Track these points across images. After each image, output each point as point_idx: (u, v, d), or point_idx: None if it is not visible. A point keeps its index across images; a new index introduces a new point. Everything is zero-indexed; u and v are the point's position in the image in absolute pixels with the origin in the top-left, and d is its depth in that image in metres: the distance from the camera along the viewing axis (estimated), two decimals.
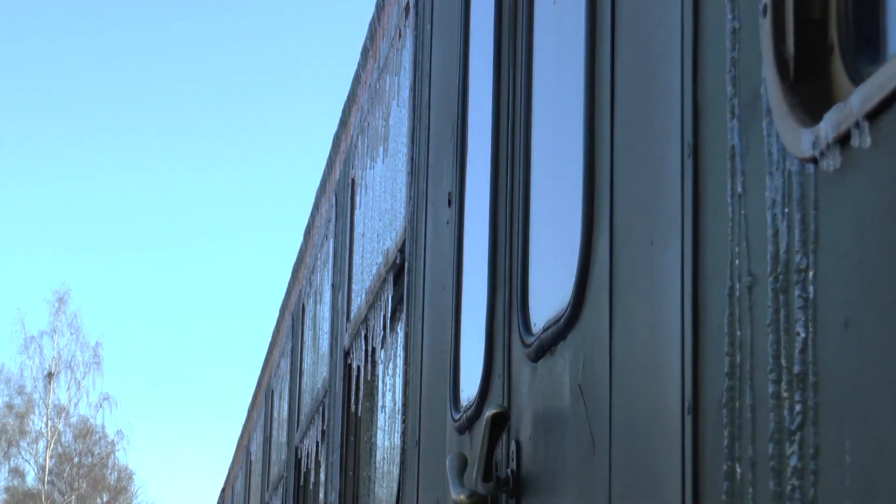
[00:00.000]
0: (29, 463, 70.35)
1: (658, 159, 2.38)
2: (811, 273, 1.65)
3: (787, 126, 1.73)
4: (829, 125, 1.54)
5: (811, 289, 1.64)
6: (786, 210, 1.76)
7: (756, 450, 1.85)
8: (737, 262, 1.94)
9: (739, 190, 1.96)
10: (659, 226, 2.35)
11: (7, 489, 70.62)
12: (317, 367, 7.24)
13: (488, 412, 3.34)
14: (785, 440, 1.72)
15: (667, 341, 2.25)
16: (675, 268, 2.23)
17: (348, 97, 6.63)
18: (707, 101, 2.14)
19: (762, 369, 1.84)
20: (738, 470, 1.90)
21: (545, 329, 2.95)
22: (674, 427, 2.18)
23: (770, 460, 1.77)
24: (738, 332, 1.93)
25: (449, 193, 4.10)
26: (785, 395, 1.73)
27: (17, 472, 70.88)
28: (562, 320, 2.83)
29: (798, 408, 1.67)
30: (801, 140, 1.64)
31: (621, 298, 2.53)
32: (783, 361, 1.74)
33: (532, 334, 3.06)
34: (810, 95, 1.70)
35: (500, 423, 3.28)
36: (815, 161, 1.62)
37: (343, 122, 6.81)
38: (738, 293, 1.93)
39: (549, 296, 2.99)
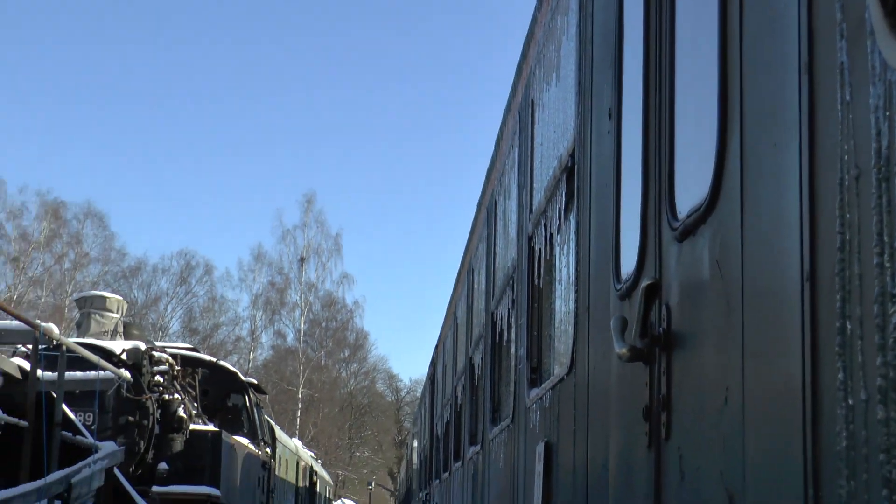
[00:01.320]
0: (288, 327, 72.34)
1: (779, 75, 2.34)
2: None
3: (887, 44, 1.69)
4: None
5: None
6: (886, 113, 1.73)
7: (863, 310, 1.82)
8: (846, 157, 1.91)
9: (847, 98, 1.92)
10: (781, 130, 2.31)
11: (272, 347, 72.80)
12: (507, 250, 7.28)
13: (644, 283, 3.33)
14: (887, 301, 1.70)
15: (788, 223, 2.22)
16: (794, 164, 2.19)
17: (527, 35, 6.61)
18: (820, 25, 2.09)
19: (868, 244, 1.81)
20: (849, 327, 1.87)
21: (689, 215, 2.93)
22: (794, 293, 2.15)
23: (875, 318, 1.74)
24: (848, 215, 1.90)
25: (609, 109, 4.08)
26: (887, 265, 1.71)
27: (279, 335, 73.03)
28: (702, 208, 2.81)
29: None
30: None
31: (750, 190, 2.50)
32: (885, 238, 1.71)
33: (678, 220, 3.04)
34: None
35: (653, 291, 3.27)
36: None
37: (524, 55, 6.81)
38: (847, 183, 1.90)
39: (691, 189, 2.96)
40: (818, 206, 2.07)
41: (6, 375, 9.81)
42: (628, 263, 3.63)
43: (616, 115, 3.96)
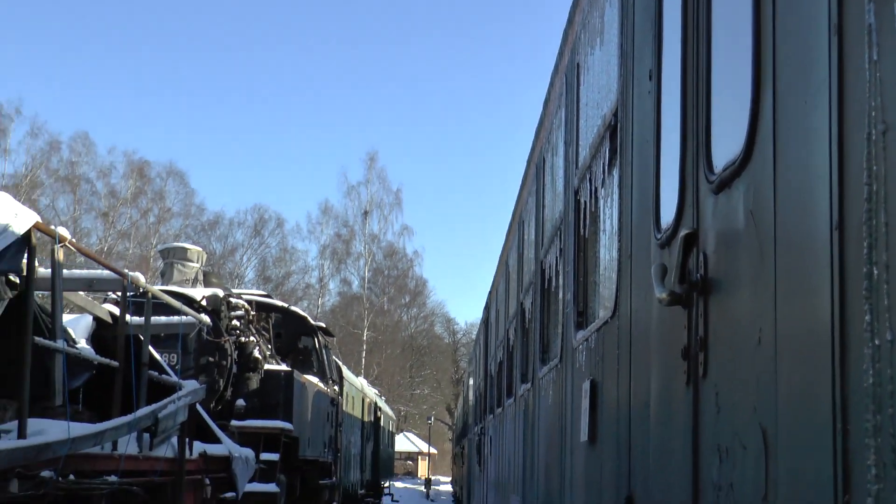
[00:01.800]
0: (353, 275, 72.83)
1: (810, 37, 2.31)
2: None
3: None
4: None
5: None
6: None
7: (889, 257, 1.81)
8: (873, 113, 1.89)
9: (875, 58, 1.90)
10: (811, 88, 2.28)
11: (339, 293, 73.30)
12: (554, 203, 7.26)
13: (682, 232, 3.32)
14: None
15: (818, 176, 2.20)
16: (824, 120, 2.17)
17: (573, 2, 6.56)
18: None
19: (893, 195, 1.80)
20: (875, 272, 1.86)
21: (724, 169, 2.91)
22: (824, 241, 2.14)
23: None
24: (875, 167, 1.88)
25: (650, 71, 4.04)
26: None
27: (345, 282, 73.56)
28: (737, 162, 2.78)
29: None
30: None
31: (782, 144, 2.48)
32: None
33: (714, 173, 3.02)
34: None
35: (691, 240, 3.26)
36: None
37: (570, 21, 6.75)
38: (874, 137, 1.88)
39: (726, 144, 2.94)
40: (846, 159, 2.05)
41: (98, 320, 9.95)
42: (668, 214, 3.61)
43: (656, 76, 3.93)
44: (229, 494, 12.25)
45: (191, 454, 10.52)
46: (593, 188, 5.46)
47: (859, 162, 1.94)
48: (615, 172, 4.83)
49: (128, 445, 8.64)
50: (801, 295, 2.31)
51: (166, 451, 9.73)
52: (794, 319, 2.35)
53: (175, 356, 13.99)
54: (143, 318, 9.76)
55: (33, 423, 6.77)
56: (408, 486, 67.81)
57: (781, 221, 2.45)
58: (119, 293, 9.31)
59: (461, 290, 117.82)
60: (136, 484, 9.09)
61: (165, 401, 9.37)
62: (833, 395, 2.07)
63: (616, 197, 4.78)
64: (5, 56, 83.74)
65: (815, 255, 2.20)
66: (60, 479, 7.07)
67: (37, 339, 6.93)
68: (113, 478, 8.28)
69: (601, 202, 5.36)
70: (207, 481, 11.40)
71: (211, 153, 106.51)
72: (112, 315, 9.91)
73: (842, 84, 2.09)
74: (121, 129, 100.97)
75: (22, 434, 6.52)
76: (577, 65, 6.28)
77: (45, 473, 6.82)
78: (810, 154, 2.27)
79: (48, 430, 6.84)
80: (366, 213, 71.34)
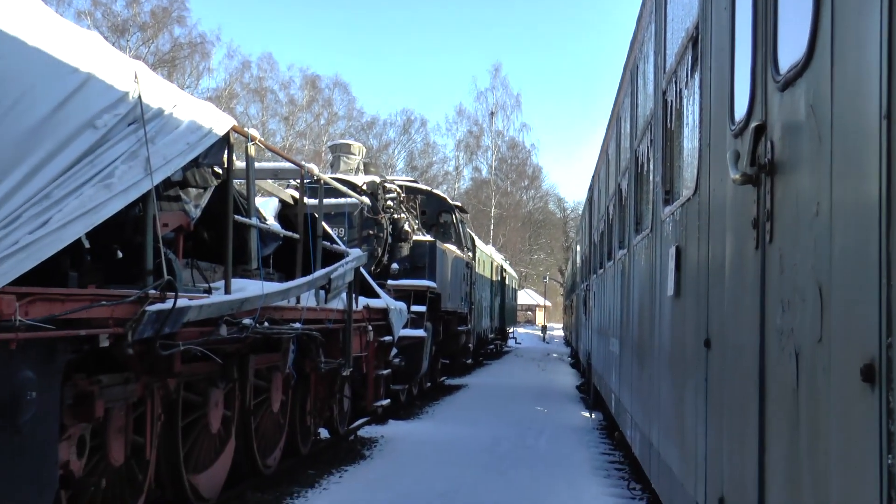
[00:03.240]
0: (483, 164, 72.66)
1: None
2: None
3: None
4: None
5: None
6: None
7: None
8: None
9: None
10: (864, 4, 2.17)
11: (471, 179, 73.39)
12: (646, 102, 7.11)
13: (753, 124, 3.23)
14: None
15: (868, 73, 2.11)
16: (875, 26, 2.07)
17: None
18: None
19: None
20: None
21: (789, 70, 2.81)
22: (874, 128, 2.06)
23: None
24: None
25: None
26: None
27: (476, 170, 73.54)
28: (800, 64, 2.68)
29: None
30: None
31: (839, 48, 2.37)
32: None
33: (780, 74, 2.92)
34: None
35: (760, 131, 3.17)
36: None
37: None
38: None
39: (791, 49, 2.83)
40: (894, 58, 1.96)
41: (283, 202, 10.16)
42: (740, 110, 3.51)
43: None
44: (387, 338, 12.56)
45: (356, 306, 10.78)
46: (678, 89, 5.34)
47: None
48: (696, 76, 4.70)
49: (308, 300, 8.89)
50: (853, 174, 2.24)
51: (337, 304, 9.99)
52: (846, 194, 2.29)
53: (343, 230, 14.26)
54: (317, 200, 9.95)
55: (236, 283, 7.00)
56: (528, 331, 68.59)
57: (837, 113, 2.37)
58: (298, 180, 9.48)
59: (570, 175, 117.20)
60: (315, 330, 9.38)
61: (336, 265, 9.58)
62: (879, 256, 2.02)
63: (697, 96, 4.67)
64: None
65: (866, 141, 2.13)
66: (257, 325, 7.33)
67: (236, 217, 7.12)
68: (297, 325, 8.55)
69: (685, 101, 5.24)
70: (370, 327, 11.69)
71: (368, 66, 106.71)
72: (293, 198, 10.12)
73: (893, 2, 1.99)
74: (298, 49, 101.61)
75: (227, 290, 6.76)
76: None
77: (246, 321, 7.07)
78: (862, 56, 2.17)
79: (247, 288, 7.06)
80: (492, 113, 70.66)
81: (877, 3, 2.06)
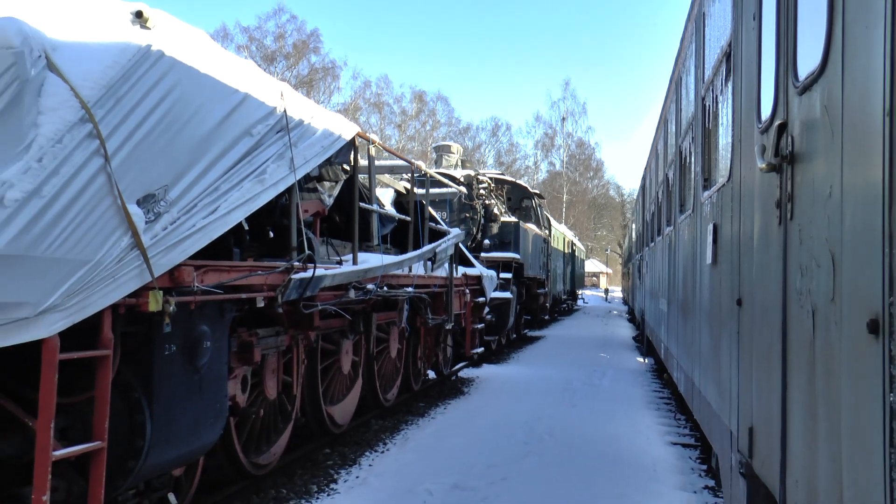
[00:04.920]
0: (556, 159, 71.71)
1: None
2: None
3: None
4: None
5: None
6: None
7: None
8: None
9: None
10: (871, 15, 2.07)
11: (547, 171, 72.54)
12: (688, 106, 6.93)
13: (776, 122, 3.12)
14: None
15: (874, 80, 2.01)
16: (879, 39, 1.97)
17: None
18: None
19: None
20: None
21: (807, 77, 2.70)
22: (878, 124, 1.97)
23: None
24: None
25: (753, 13, 3.75)
26: None
27: (551, 164, 72.61)
28: (815, 72, 2.58)
29: None
30: None
31: (849, 59, 2.27)
32: None
33: (799, 81, 2.81)
34: None
35: (783, 127, 3.07)
36: None
37: None
38: None
39: (808, 60, 2.72)
40: None
41: (397, 192, 10.24)
42: (766, 110, 3.40)
43: (758, 17, 3.65)
44: (481, 299, 12.58)
45: (457, 274, 10.82)
46: (714, 95, 5.20)
47: None
48: (729, 84, 4.57)
49: (418, 269, 8.96)
50: (861, 163, 2.15)
51: (441, 272, 10.05)
52: (855, 179, 2.21)
53: (445, 213, 14.30)
54: (424, 190, 10.00)
55: (361, 256, 7.10)
56: (593, 293, 67.78)
57: (847, 112, 2.27)
58: (409, 175, 9.54)
59: (626, 167, 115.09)
60: (424, 293, 9.45)
61: (440, 241, 9.62)
62: (882, 230, 1.95)
63: (730, 100, 4.53)
64: (335, 29, 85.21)
65: (871, 135, 2.04)
66: (378, 289, 7.42)
67: (361, 204, 7.20)
68: (409, 289, 8.63)
69: (720, 105, 5.09)
70: (467, 291, 11.72)
71: (464, 82, 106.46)
72: (405, 188, 10.19)
73: (895, 14, 1.89)
74: (408, 70, 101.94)
75: (355, 262, 6.86)
76: (703, 13, 5.90)
77: (370, 286, 7.16)
78: (869, 64, 2.08)
79: (370, 260, 7.15)
80: (563, 118, 69.60)
81: (881, 21, 1.97)
